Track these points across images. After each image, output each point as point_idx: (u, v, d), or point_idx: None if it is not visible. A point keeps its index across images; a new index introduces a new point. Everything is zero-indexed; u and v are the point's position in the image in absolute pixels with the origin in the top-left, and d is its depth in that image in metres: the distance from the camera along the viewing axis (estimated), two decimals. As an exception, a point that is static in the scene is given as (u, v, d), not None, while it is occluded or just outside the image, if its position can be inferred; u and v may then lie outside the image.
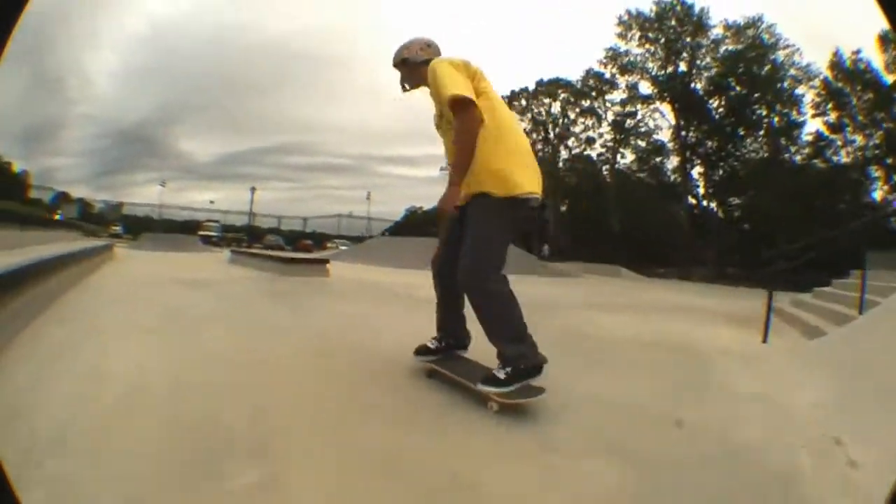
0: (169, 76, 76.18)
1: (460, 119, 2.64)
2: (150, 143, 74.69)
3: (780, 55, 33.01)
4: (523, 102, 44.64)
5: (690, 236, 34.88)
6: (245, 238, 44.22)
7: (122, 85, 74.47)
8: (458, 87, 2.63)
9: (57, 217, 33.18)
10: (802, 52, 32.36)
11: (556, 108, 43.56)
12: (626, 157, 41.60)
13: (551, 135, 44.01)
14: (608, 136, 41.72)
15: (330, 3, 78.51)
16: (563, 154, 43.93)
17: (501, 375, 2.58)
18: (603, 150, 42.28)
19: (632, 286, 18.23)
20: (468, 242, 2.72)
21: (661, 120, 38.56)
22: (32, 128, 58.25)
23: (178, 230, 37.85)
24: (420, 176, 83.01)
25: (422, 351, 3.18)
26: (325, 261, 11.37)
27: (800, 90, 32.75)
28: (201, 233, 38.25)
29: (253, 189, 46.35)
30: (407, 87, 3.14)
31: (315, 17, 77.74)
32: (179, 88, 74.45)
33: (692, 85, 36.29)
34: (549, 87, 43.99)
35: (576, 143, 43.30)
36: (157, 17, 78.52)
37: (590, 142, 42.62)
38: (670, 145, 38.45)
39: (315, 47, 76.88)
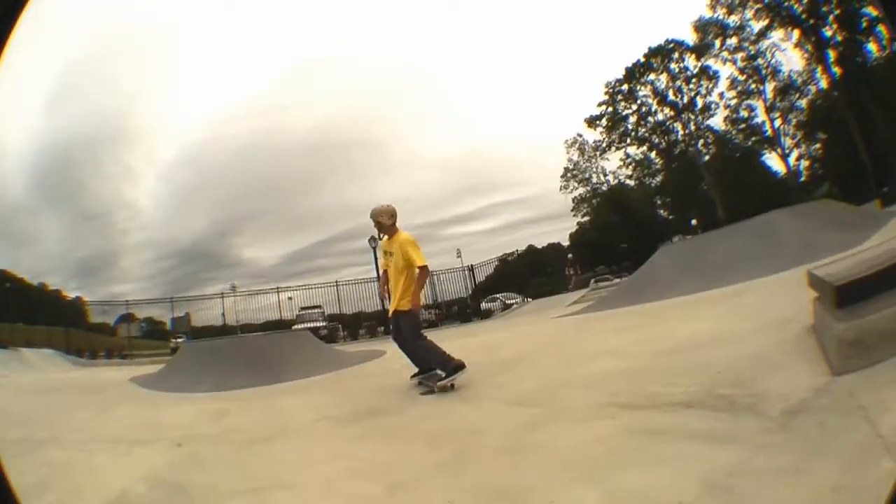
0: (216, 192, 76.60)
1: (423, 274, 5.61)
2: (213, 258, 71.94)
3: None
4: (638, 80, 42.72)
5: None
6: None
7: (173, 208, 73.93)
8: (424, 259, 5.53)
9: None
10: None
11: (663, 81, 41.95)
12: (758, 110, 38.48)
13: (680, 105, 41.26)
14: (730, 95, 39.07)
15: (348, 92, 77.20)
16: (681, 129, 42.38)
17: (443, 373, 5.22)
18: (727, 110, 39.69)
19: None
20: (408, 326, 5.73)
21: (781, 55, 35.80)
22: (87, 261, 59.29)
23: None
24: (483, 228, 78.17)
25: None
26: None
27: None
28: (298, 327, 22.00)
29: (374, 239, 25.14)
30: (382, 236, 6.10)
31: (337, 108, 75.87)
32: (228, 201, 74.12)
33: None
34: (663, 53, 41.38)
35: (693, 116, 41.36)
36: (188, 141, 78.76)
37: (708, 109, 40.42)
38: (803, 77, 35.35)
39: (344, 134, 74.11)
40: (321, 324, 24.56)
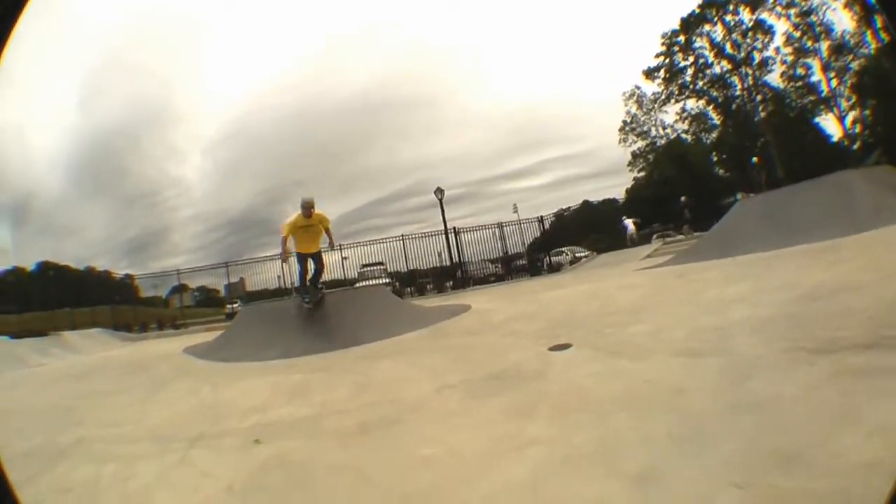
0: (262, 161, 79.92)
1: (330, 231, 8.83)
2: (264, 224, 73.89)
3: None
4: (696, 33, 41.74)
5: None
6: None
7: (220, 181, 76.31)
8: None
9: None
10: None
11: (719, 33, 40.88)
12: (814, 69, 37.12)
13: (738, 58, 39.87)
14: (786, 51, 37.85)
15: (395, 52, 76.87)
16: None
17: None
18: (783, 66, 38.45)
19: None
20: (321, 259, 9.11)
21: (832, 14, 34.60)
22: (136, 240, 64.64)
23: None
24: (537, 184, 77.14)
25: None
26: None
27: None
28: (361, 285, 20.05)
29: (440, 191, 26.23)
30: (309, 215, 8.42)
31: (383, 70, 75.98)
32: (276, 169, 76.74)
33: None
34: (717, 4, 40.10)
35: (750, 71, 40.12)
36: (230, 115, 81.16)
37: (764, 64, 39.10)
38: (855, 38, 34.10)
39: (392, 94, 74.63)
40: (385, 280, 22.73)
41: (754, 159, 34.71)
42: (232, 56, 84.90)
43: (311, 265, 8.88)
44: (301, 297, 8.87)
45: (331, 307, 8.66)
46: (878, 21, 30.34)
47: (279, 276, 28.46)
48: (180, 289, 34.35)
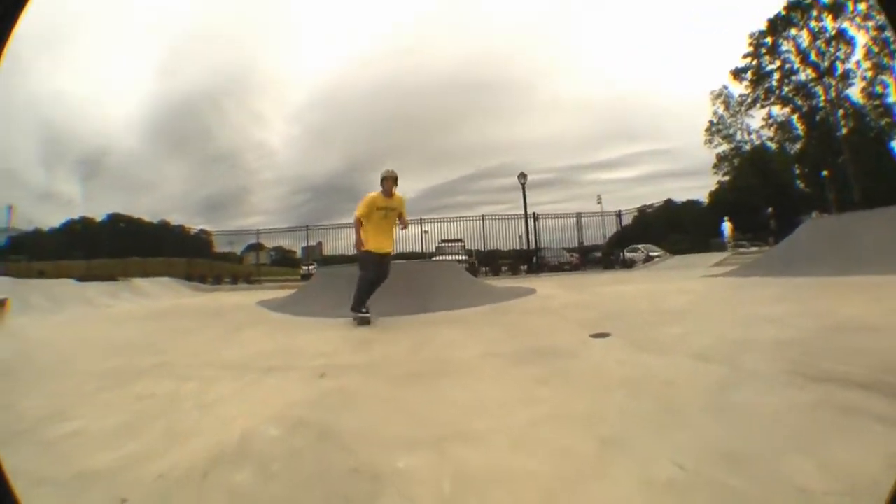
0: (349, 130, 79.14)
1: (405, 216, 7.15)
2: (348, 191, 75.64)
3: None
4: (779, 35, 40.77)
5: None
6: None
7: (305, 147, 77.10)
8: None
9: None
10: None
11: (804, 38, 39.97)
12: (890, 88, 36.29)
13: (822, 67, 38.75)
14: (866, 66, 37.28)
15: (484, 30, 75.61)
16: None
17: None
18: (864, 82, 37.75)
19: None
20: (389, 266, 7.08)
21: None
22: (213, 198, 64.70)
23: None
24: (623, 177, 74.91)
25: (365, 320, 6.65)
26: None
27: None
28: (438, 259, 20.34)
29: (523, 175, 25.90)
30: (390, 193, 6.86)
31: (481, 49, 74.76)
32: (363, 139, 76.51)
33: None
34: (802, 7, 39.37)
35: (833, 82, 39.04)
36: (319, 85, 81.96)
37: (846, 77, 38.73)
38: None
39: (485, 73, 74.42)
40: (462, 257, 23.04)
41: (824, 173, 32.76)
42: (325, 26, 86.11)
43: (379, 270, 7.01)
44: (357, 312, 6.86)
45: (406, 276, 9.03)
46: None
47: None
48: (257, 247, 36.51)
